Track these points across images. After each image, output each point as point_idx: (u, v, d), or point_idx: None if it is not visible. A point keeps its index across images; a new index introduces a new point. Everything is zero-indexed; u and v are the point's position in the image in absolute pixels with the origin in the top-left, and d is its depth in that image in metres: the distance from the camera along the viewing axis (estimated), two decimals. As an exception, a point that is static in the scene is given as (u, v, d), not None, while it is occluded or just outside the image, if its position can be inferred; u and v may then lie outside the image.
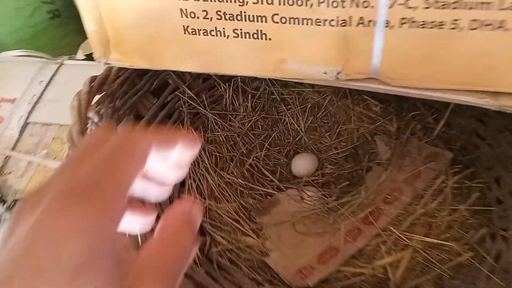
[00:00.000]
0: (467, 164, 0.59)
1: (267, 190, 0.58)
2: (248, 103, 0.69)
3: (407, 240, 0.48)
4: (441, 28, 0.32)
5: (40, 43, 0.88)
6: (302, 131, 0.70)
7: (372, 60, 0.36)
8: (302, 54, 0.38)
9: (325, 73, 0.38)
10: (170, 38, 0.40)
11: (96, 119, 0.48)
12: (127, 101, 0.56)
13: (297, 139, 0.70)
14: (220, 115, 0.66)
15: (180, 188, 0.59)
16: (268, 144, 0.67)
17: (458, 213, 0.51)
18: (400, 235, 0.49)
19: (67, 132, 0.44)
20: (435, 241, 0.48)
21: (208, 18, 0.37)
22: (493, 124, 0.58)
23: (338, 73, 0.38)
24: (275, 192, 0.58)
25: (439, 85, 0.36)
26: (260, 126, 0.69)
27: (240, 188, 0.58)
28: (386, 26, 0.34)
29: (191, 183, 0.58)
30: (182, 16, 0.38)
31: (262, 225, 0.54)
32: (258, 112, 0.68)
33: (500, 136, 0.57)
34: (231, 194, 0.56)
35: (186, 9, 0.37)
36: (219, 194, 0.56)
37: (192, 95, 0.64)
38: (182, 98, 0.64)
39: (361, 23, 0.34)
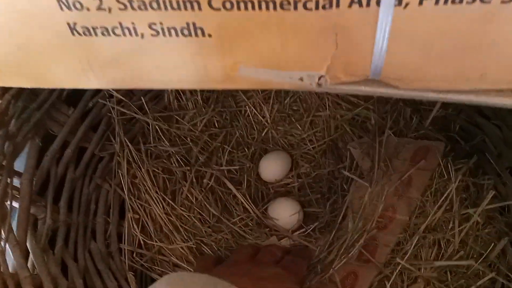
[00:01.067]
0: (471, 152, 0.48)
1: (234, 227, 0.45)
2: (197, 96, 0.54)
3: (416, 270, 0.38)
4: (486, 2, 0.20)
5: None
6: (268, 123, 0.57)
7: (373, 56, 0.23)
8: (262, 55, 0.24)
9: (301, 79, 0.25)
10: (53, 44, 0.25)
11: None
12: (28, 120, 0.41)
13: (263, 134, 0.57)
14: (163, 118, 0.52)
15: (119, 220, 0.46)
16: (229, 146, 0.54)
17: (470, 221, 0.41)
18: (406, 265, 0.38)
19: None
20: (449, 263, 0.38)
21: (104, 9, 0.23)
22: (498, 99, 0.47)
23: (320, 78, 0.25)
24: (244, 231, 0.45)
25: (473, 85, 0.24)
26: (216, 124, 0.56)
27: (200, 216, 0.45)
28: (397, 5, 0.21)
29: (132, 218, 0.45)
30: (62, 9, 0.23)
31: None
32: (212, 107, 0.54)
33: (507, 115, 0.47)
34: (187, 229, 0.43)
35: (67, -4, 0.22)
36: (171, 232, 0.43)
37: (120, 96, 0.49)
38: (109, 101, 0.49)
39: (356, 2, 0.21)
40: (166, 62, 0.25)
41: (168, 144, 0.50)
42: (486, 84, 0.23)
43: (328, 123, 0.55)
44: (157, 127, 0.51)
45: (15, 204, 0.37)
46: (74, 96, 0.46)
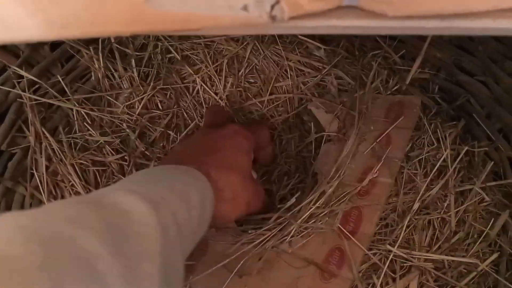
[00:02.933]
0: (457, 115, 0.42)
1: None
2: (133, 72, 0.45)
3: (410, 260, 0.31)
4: None
5: None
6: (222, 100, 0.48)
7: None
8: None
9: (244, 8, 0.17)
10: None
11: None
12: None
13: (216, 113, 0.49)
14: (90, 100, 0.43)
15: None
16: (175, 131, 0.45)
17: (467, 196, 0.35)
18: (399, 253, 0.31)
19: None
20: (447, 258, 0.31)
21: None
22: (482, 51, 0.41)
23: (273, 7, 0.17)
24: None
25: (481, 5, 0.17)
26: (159, 104, 0.47)
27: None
28: None
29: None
30: None
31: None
32: (152, 84, 0.45)
33: (495, 67, 0.40)
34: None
35: None
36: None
37: (33, 77, 0.39)
38: (18, 83, 0.39)
39: None
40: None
41: (97, 133, 0.40)
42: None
43: (291, 93, 0.47)
44: (83, 113, 0.41)
45: None
46: (-34, 79, 0.36)
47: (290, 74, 0.47)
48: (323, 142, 0.42)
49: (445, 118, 0.41)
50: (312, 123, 0.44)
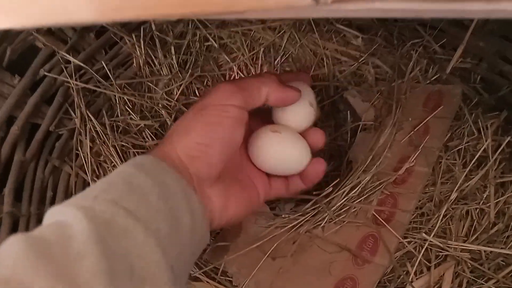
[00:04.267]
0: (498, 106, 0.41)
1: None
2: (172, 59, 0.46)
3: (446, 249, 0.31)
4: None
5: None
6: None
7: None
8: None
9: (289, -12, 0.17)
10: None
11: None
12: (-43, 91, 0.33)
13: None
14: (132, 86, 0.44)
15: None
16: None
17: (508, 188, 0.34)
18: (434, 242, 0.31)
19: None
20: (486, 249, 0.30)
21: None
22: (528, 41, 0.40)
23: (318, -15, 0.17)
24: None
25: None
26: (196, 91, 0.48)
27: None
28: None
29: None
30: None
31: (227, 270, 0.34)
32: (190, 71, 0.46)
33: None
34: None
35: None
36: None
37: (80, 63, 0.41)
38: (66, 68, 0.41)
39: None
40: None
41: (137, 117, 0.42)
42: None
43: (327, 81, 0.47)
44: (125, 98, 0.43)
45: None
46: (20, 63, 0.38)
47: (327, 63, 0.47)
48: (359, 131, 0.42)
49: (486, 109, 0.40)
50: (348, 112, 0.44)
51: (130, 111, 0.42)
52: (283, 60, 0.49)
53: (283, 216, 0.36)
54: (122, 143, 0.40)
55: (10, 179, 0.35)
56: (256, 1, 0.18)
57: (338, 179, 0.35)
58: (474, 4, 0.18)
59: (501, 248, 0.32)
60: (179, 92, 0.46)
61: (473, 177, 0.33)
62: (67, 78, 0.40)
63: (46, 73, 0.40)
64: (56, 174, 0.39)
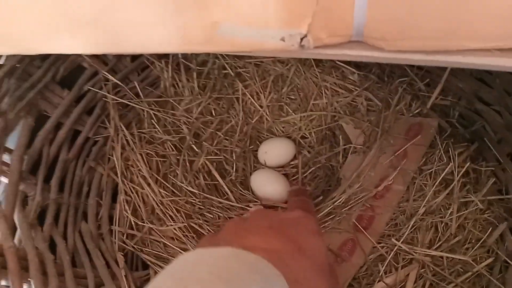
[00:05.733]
0: (471, 139, 0.47)
1: (229, 202, 0.45)
2: (194, 83, 0.54)
3: (412, 253, 0.37)
4: None
5: None
6: (266, 113, 0.56)
7: (354, 13, 0.23)
8: (241, 12, 0.24)
9: (282, 39, 0.25)
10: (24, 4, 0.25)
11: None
12: (21, 98, 0.41)
13: (259, 122, 0.57)
14: (158, 103, 0.52)
15: (111, 203, 0.46)
16: (224, 133, 0.54)
17: (470, 206, 0.40)
18: (403, 247, 0.37)
19: None
20: (445, 255, 0.36)
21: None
22: (499, 84, 0.46)
23: (302, 39, 0.24)
24: (237, 205, 0.45)
25: (461, 42, 0.23)
26: (213, 111, 0.55)
27: (192, 200, 0.44)
28: (376, -48, 0.20)
29: (124, 200, 0.44)
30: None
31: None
32: (209, 94, 0.54)
33: (509, 99, 0.45)
34: (180, 211, 0.43)
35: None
36: (163, 213, 0.42)
37: (117, 81, 0.49)
38: (105, 85, 0.49)
39: (334, -49, 0.20)
40: (143, 23, 0.25)
41: (161, 131, 0.49)
42: (474, 41, 0.23)
43: (325, 109, 0.54)
44: (151, 114, 0.51)
45: (6, 180, 0.37)
46: (69, 79, 0.47)
47: (326, 94, 0.54)
48: (349, 153, 0.49)
49: (460, 140, 0.46)
50: (341, 136, 0.50)
51: (155, 124, 0.50)
52: (289, 89, 0.56)
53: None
54: (148, 151, 0.47)
55: (56, 174, 0.42)
56: (259, 45, 0.26)
57: (326, 192, 0.42)
58: (416, 55, 0.25)
59: (461, 255, 0.38)
60: (198, 111, 0.53)
61: (440, 195, 0.39)
62: (106, 94, 0.48)
63: (89, 88, 0.48)
64: (91, 173, 0.46)
